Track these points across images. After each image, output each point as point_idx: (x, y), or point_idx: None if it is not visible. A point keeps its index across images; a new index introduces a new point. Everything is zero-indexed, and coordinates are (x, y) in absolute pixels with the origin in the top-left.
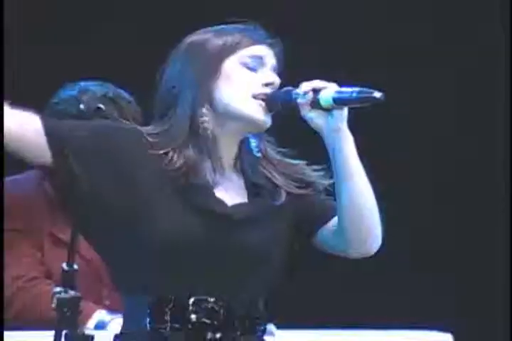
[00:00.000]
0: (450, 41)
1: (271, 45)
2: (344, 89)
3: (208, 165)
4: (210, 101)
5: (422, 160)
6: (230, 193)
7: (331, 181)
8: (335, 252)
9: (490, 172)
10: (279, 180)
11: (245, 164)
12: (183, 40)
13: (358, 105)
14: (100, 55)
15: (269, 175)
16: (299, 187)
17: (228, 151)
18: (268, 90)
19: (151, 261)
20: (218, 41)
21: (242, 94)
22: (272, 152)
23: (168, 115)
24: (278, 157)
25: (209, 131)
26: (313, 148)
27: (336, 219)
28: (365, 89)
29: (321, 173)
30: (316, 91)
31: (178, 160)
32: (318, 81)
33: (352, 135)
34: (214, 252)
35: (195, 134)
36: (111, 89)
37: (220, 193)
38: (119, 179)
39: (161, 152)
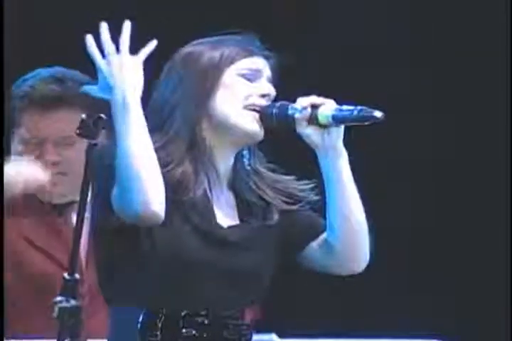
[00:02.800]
0: (450, 41)
1: (267, 57)
2: (344, 107)
3: (204, 179)
4: (208, 113)
5: (422, 164)
6: (226, 212)
7: (319, 197)
8: (322, 271)
9: (492, 178)
10: (268, 195)
11: (239, 178)
12: (178, 51)
13: (357, 124)
14: None
15: (260, 191)
16: (286, 203)
17: (224, 164)
18: (264, 102)
19: (147, 274)
20: (215, 53)
21: (239, 105)
22: (261, 166)
23: (165, 129)
24: (267, 171)
25: (206, 143)
26: (303, 163)
27: (323, 236)
28: (365, 108)
29: (310, 187)
30: (314, 107)
31: (176, 175)
32: (315, 97)
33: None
34: (208, 270)
35: (192, 147)
36: (61, 71)
37: (216, 212)
38: None
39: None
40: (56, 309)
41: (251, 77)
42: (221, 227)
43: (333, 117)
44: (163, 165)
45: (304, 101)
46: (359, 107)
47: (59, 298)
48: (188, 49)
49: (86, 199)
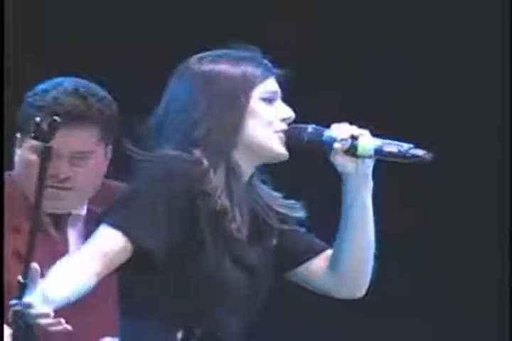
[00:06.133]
0: (451, 41)
1: (278, 76)
2: (388, 141)
3: (240, 211)
4: (241, 140)
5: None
6: (249, 238)
7: (302, 214)
8: (318, 291)
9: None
10: (266, 212)
11: (250, 197)
12: (190, 65)
13: (398, 160)
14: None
15: (261, 210)
16: (280, 221)
17: (244, 180)
18: (284, 126)
19: (181, 293)
20: (238, 76)
21: (267, 130)
22: (257, 181)
23: (198, 155)
24: (262, 186)
25: (241, 170)
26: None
27: (322, 259)
28: (412, 147)
29: (298, 207)
30: (353, 138)
31: (216, 209)
32: (350, 126)
33: None
34: (234, 295)
35: (228, 175)
36: (83, 85)
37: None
38: None
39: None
40: (10, 312)
41: (271, 99)
42: (255, 258)
43: (376, 151)
44: (205, 194)
45: (343, 132)
46: (406, 144)
47: (13, 302)
48: (205, 67)
49: (41, 200)
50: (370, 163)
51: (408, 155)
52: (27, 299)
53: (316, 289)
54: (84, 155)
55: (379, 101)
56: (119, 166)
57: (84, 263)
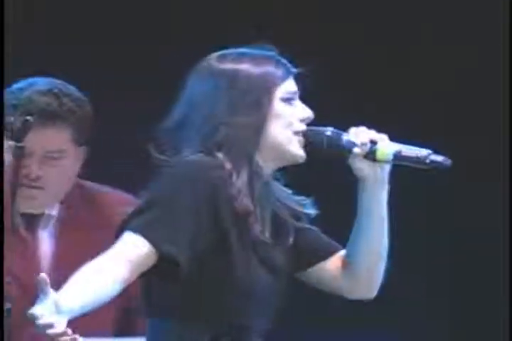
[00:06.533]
0: (450, 41)
1: (293, 73)
2: (407, 146)
3: (262, 216)
4: (263, 142)
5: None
6: (272, 238)
7: (312, 211)
8: (330, 291)
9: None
10: (281, 210)
11: (265, 195)
12: (211, 63)
13: (417, 166)
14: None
15: (277, 208)
16: (295, 219)
17: (266, 181)
18: (303, 126)
19: (208, 298)
20: (260, 76)
21: (287, 131)
22: (272, 178)
23: (220, 158)
24: (275, 182)
25: (262, 173)
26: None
27: (336, 259)
28: (432, 153)
29: (309, 203)
30: (372, 142)
31: (240, 212)
32: (369, 131)
33: None
34: (262, 297)
35: (252, 178)
36: (57, 85)
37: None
38: None
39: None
40: None
41: (291, 99)
42: (283, 260)
43: (395, 155)
44: (229, 197)
45: (362, 137)
46: (424, 150)
47: None
48: (229, 65)
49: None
50: (387, 167)
51: (427, 161)
52: (35, 310)
53: (328, 289)
54: (56, 154)
55: (379, 101)
56: (93, 167)
57: (108, 270)
